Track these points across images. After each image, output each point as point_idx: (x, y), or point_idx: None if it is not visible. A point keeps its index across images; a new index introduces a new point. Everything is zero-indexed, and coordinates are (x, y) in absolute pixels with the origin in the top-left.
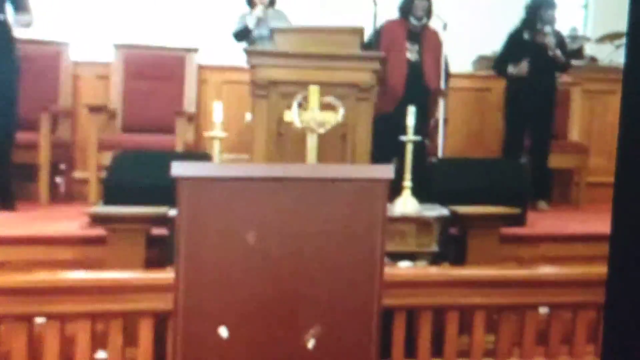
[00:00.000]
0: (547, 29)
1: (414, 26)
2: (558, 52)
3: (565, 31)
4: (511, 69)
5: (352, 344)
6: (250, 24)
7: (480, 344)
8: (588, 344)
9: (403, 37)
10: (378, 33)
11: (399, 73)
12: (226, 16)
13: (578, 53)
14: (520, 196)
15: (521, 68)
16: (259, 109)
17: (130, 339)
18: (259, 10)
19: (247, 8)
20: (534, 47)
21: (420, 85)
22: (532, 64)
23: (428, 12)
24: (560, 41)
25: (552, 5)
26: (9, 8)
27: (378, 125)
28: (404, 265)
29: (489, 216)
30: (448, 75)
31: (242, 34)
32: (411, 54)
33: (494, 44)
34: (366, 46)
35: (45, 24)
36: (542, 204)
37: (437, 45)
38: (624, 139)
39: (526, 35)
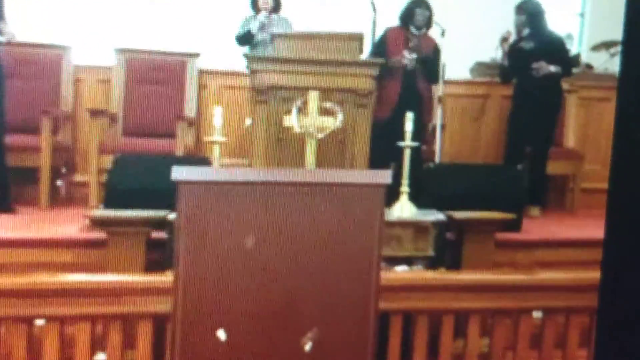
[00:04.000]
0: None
1: (413, 34)
2: (552, 69)
3: None
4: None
5: (349, 347)
6: (254, 28)
7: (475, 348)
8: (581, 349)
9: (402, 45)
10: (382, 39)
11: (395, 80)
12: (227, 21)
13: (574, 61)
14: (515, 202)
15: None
16: (258, 114)
17: (129, 341)
18: (262, 15)
19: (251, 12)
20: (534, 56)
21: (414, 92)
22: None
23: (428, 22)
24: (557, 48)
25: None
26: None
27: (375, 130)
28: (401, 269)
29: (485, 221)
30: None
31: (245, 38)
32: (408, 62)
33: (492, 51)
34: (372, 53)
35: (47, 27)
36: (534, 211)
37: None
38: (618, 146)
39: (527, 45)
